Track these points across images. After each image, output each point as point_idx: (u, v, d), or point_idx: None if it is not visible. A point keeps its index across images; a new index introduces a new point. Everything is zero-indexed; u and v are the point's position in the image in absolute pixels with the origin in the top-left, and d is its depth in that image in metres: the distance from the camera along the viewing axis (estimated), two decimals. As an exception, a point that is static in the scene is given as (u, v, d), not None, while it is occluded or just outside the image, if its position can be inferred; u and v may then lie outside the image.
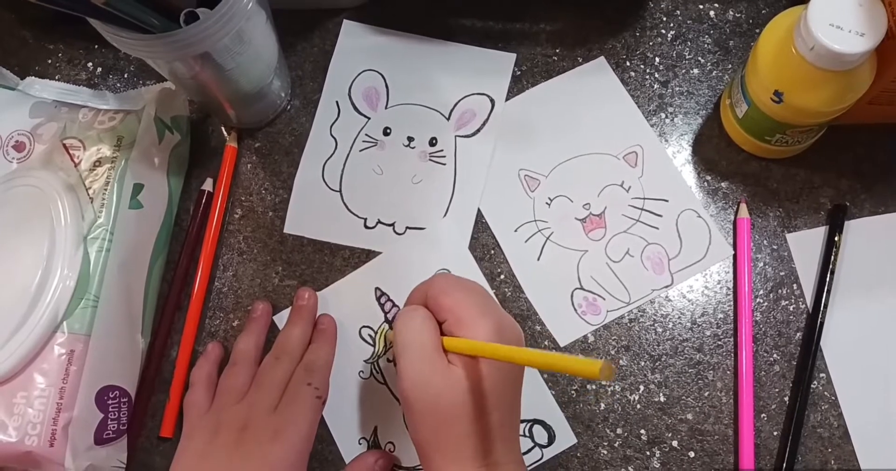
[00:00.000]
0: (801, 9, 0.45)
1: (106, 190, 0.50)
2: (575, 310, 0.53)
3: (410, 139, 0.57)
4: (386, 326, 0.54)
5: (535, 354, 0.37)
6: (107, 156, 0.51)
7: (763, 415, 0.51)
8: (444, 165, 0.56)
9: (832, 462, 0.50)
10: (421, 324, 0.42)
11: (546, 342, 0.53)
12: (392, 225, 0.55)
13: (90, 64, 0.59)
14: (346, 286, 0.55)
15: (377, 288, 0.54)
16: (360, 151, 0.57)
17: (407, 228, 0.55)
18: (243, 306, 0.55)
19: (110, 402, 0.50)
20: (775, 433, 0.51)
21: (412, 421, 0.42)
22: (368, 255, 0.55)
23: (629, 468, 0.51)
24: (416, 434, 0.42)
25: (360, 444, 0.52)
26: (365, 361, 0.53)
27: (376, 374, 0.53)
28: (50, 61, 0.60)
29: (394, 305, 0.54)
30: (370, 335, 0.54)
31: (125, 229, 0.50)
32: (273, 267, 0.55)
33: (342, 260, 0.55)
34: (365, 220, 0.56)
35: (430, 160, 0.56)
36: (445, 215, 0.55)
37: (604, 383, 0.52)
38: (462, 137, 0.57)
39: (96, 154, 0.51)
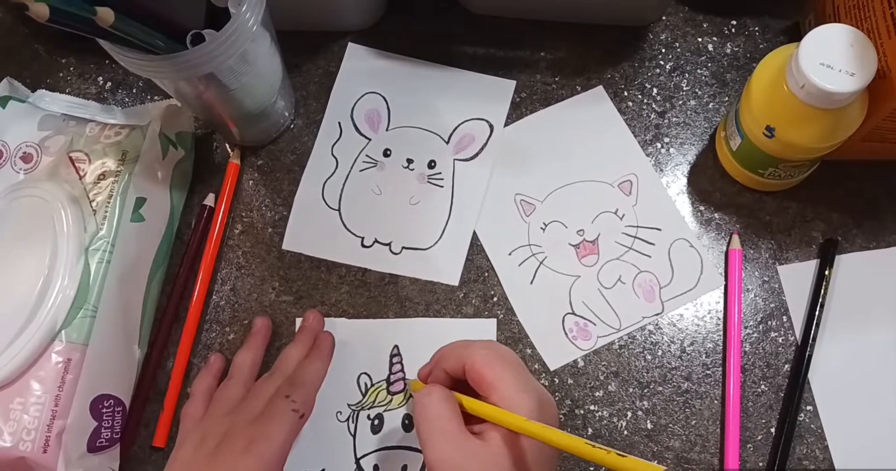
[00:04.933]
0: (793, 47, 0.46)
1: (109, 203, 0.51)
2: (566, 334, 0.54)
3: (410, 161, 0.58)
4: (383, 384, 0.53)
5: (588, 449, 0.35)
6: (111, 169, 0.52)
7: (749, 445, 0.51)
8: (442, 187, 0.57)
9: (816, 495, 0.51)
10: (440, 405, 0.40)
11: (536, 366, 0.53)
12: (389, 245, 0.56)
13: (100, 78, 0.61)
14: (371, 327, 0.54)
15: (396, 346, 0.54)
16: (360, 171, 0.58)
17: (403, 248, 0.56)
18: (240, 320, 0.55)
19: (105, 410, 0.50)
20: (761, 464, 0.51)
21: None
22: (364, 273, 0.56)
23: (613, 494, 0.51)
24: None
25: None
26: (348, 404, 0.53)
27: (351, 423, 0.53)
28: (61, 75, 0.61)
29: (402, 369, 0.53)
30: (366, 384, 0.53)
31: (126, 242, 0.51)
32: (270, 282, 0.56)
33: (338, 277, 0.56)
34: (362, 239, 0.56)
35: (429, 182, 0.57)
36: (441, 237, 0.56)
37: (597, 412, 0.52)
38: (460, 160, 0.58)
39: (101, 168, 0.52)
